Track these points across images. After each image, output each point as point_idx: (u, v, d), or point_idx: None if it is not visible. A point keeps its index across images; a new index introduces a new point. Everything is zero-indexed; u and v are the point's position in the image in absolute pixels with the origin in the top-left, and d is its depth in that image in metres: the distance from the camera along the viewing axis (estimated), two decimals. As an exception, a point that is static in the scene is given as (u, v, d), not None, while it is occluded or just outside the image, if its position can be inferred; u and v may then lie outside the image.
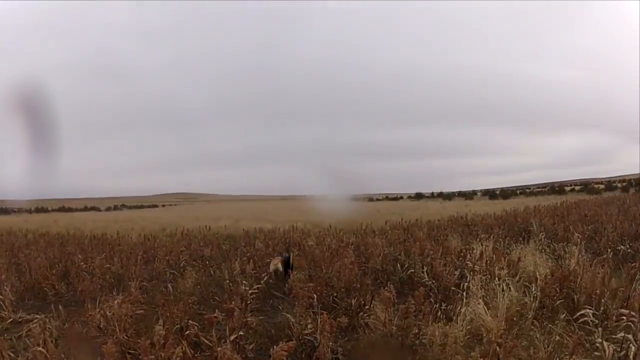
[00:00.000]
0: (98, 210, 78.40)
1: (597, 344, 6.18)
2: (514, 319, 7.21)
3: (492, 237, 14.11)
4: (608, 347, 5.96)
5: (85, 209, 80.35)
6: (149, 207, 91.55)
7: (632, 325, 6.38)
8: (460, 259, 10.67)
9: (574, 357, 5.92)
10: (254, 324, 7.73)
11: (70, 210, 75.23)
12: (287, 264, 11.52)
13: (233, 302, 7.34)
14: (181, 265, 12.80)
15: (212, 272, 11.73)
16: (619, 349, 6.01)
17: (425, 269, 10.22)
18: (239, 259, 12.19)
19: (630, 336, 6.11)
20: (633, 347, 5.93)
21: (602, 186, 62.62)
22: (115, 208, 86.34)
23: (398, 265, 11.32)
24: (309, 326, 7.11)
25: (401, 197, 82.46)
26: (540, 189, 74.92)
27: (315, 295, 7.87)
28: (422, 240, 13.37)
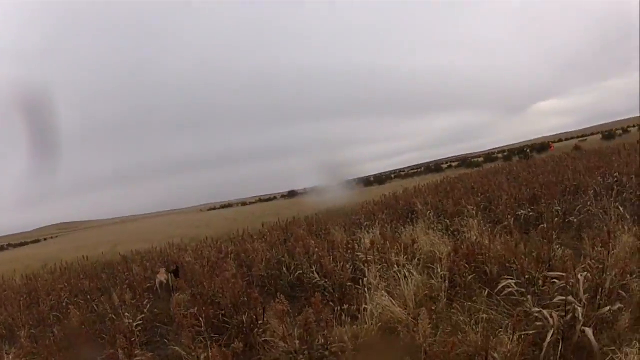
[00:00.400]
0: (-14, 252, 74.52)
1: (536, 314, 5.69)
2: (430, 306, 6.60)
3: (377, 224, 13.65)
4: (551, 315, 5.45)
5: (-25, 252, 76.48)
6: (32, 242, 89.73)
7: (569, 287, 5.79)
8: (349, 251, 9.92)
9: (516, 333, 5.34)
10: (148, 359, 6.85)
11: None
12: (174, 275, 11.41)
13: (117, 342, 6.51)
14: (64, 304, 11.52)
15: (95, 306, 10.78)
16: (563, 314, 5.51)
17: (314, 268, 9.45)
18: (118, 288, 11.40)
19: (571, 298, 5.60)
20: (579, 308, 5.45)
21: (481, 159, 63.97)
22: (2, 248, 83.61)
23: (284, 268, 10.62)
24: (202, 357, 6.25)
25: (275, 197, 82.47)
26: (415, 170, 76.21)
27: (201, 319, 7.16)
28: (304, 238, 12.61)
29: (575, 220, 10.98)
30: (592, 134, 74.93)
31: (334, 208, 22.04)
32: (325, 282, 8.61)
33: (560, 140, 79.16)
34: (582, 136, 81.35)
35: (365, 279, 7.73)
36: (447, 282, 7.38)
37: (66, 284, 13.76)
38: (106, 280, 13.85)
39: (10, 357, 7.35)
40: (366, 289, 7.34)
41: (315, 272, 9.13)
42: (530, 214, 12.08)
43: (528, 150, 56.53)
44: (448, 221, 12.37)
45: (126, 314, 8.44)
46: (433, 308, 6.72)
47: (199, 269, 11.54)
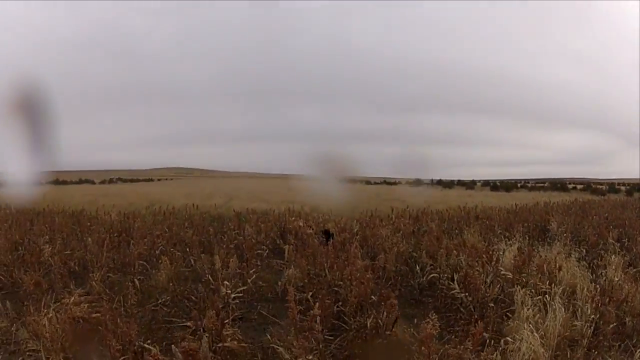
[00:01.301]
0: (92, 183, 74.86)
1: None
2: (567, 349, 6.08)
3: (516, 236, 12.70)
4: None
5: (80, 181, 77.70)
6: (144, 180, 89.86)
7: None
8: (494, 263, 8.90)
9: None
10: (235, 347, 6.02)
11: (64, 182, 72.79)
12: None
13: (206, 317, 5.87)
14: (157, 252, 10.83)
15: (192, 261, 10.04)
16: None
17: (455, 275, 8.40)
18: (224, 248, 10.54)
19: None
20: None
21: (604, 187, 60.89)
22: (110, 181, 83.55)
23: (417, 266, 9.65)
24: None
25: (399, 182, 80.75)
26: (540, 184, 73.42)
27: (317, 318, 5.92)
28: (438, 234, 11.98)
29: None
30: None
31: (466, 207, 21.15)
32: (465, 295, 7.72)
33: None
34: None
35: (514, 304, 7.11)
36: (593, 327, 6.52)
37: (166, 230, 13.01)
38: (212, 235, 12.84)
39: (72, 298, 6.65)
40: (519, 317, 6.65)
41: (455, 281, 8.16)
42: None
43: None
44: (585, 250, 11.56)
45: (225, 281, 7.81)
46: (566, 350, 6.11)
47: (320, 246, 10.65)
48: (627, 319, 7.09)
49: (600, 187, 62.18)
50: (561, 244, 11.88)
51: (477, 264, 8.61)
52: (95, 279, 8.16)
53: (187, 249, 10.86)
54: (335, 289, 7.77)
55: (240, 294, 7.63)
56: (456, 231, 13.90)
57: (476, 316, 7.16)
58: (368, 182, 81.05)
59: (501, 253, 9.84)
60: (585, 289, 7.59)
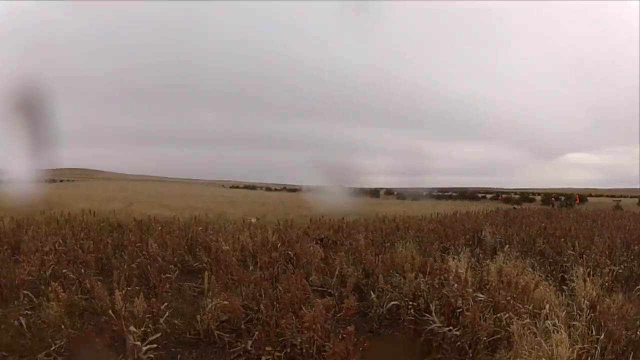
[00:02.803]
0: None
1: None
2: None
3: (464, 250, 11.59)
4: None
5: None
6: (48, 182, 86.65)
7: None
8: (462, 285, 7.53)
9: None
10: None
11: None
12: None
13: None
14: (47, 274, 8.87)
15: (88, 286, 8.01)
16: None
17: (432, 305, 7.05)
18: (124, 270, 8.79)
19: None
20: None
21: (514, 196, 61.92)
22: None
23: (373, 294, 8.02)
24: None
25: (299, 189, 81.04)
26: (449, 193, 74.21)
27: None
28: (366, 248, 11.21)
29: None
30: (622, 196, 72.61)
31: (384, 216, 20.41)
32: (450, 330, 6.38)
33: (590, 195, 77.78)
34: (612, 195, 79.43)
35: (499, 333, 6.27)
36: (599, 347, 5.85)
37: (60, 242, 11.07)
38: (111, 250, 10.93)
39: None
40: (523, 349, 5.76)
41: (433, 312, 6.79)
42: (620, 270, 10.60)
43: (562, 198, 55.15)
44: (536, 262, 10.67)
45: (132, 327, 5.96)
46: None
47: (238, 265, 9.23)
48: (623, 333, 6.34)
49: (515, 196, 63.06)
50: (507, 256, 10.88)
51: (456, 290, 7.37)
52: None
53: (83, 270, 9.00)
54: (284, 337, 6.17)
55: (155, 345, 6.00)
56: (387, 244, 12.81)
57: (470, 354, 6.19)
58: (268, 189, 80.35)
59: (462, 271, 8.60)
60: (575, 307, 6.91)
